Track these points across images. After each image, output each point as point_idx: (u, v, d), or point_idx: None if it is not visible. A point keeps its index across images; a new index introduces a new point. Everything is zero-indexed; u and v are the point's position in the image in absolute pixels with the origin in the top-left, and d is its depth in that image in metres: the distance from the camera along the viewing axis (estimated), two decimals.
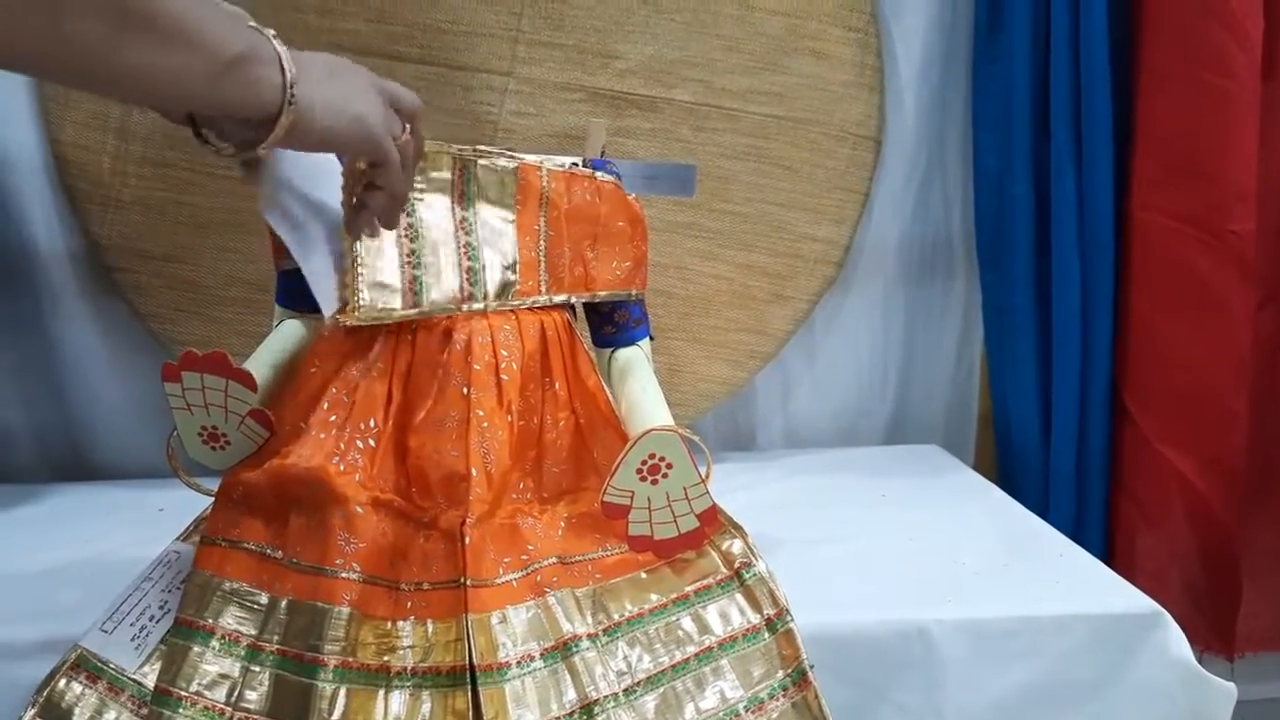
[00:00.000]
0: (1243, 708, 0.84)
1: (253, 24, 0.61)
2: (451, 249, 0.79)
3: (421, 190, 0.79)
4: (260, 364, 0.81)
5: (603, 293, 0.85)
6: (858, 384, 1.32)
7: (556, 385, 0.82)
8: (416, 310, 0.78)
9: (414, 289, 0.78)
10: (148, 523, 0.95)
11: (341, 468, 0.74)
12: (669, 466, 0.75)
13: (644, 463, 0.75)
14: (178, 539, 0.80)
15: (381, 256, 0.77)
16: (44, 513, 1.09)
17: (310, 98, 0.62)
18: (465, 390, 0.76)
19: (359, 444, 0.76)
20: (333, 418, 0.76)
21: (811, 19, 1.17)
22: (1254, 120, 1.11)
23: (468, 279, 0.79)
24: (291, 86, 0.61)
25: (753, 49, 1.16)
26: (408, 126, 0.69)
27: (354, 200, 0.71)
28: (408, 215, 0.78)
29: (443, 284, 0.79)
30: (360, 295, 0.77)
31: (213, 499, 0.77)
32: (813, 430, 1.33)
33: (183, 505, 0.82)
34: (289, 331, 0.85)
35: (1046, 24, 1.17)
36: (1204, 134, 1.12)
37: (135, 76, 0.56)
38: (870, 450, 1.30)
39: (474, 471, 0.74)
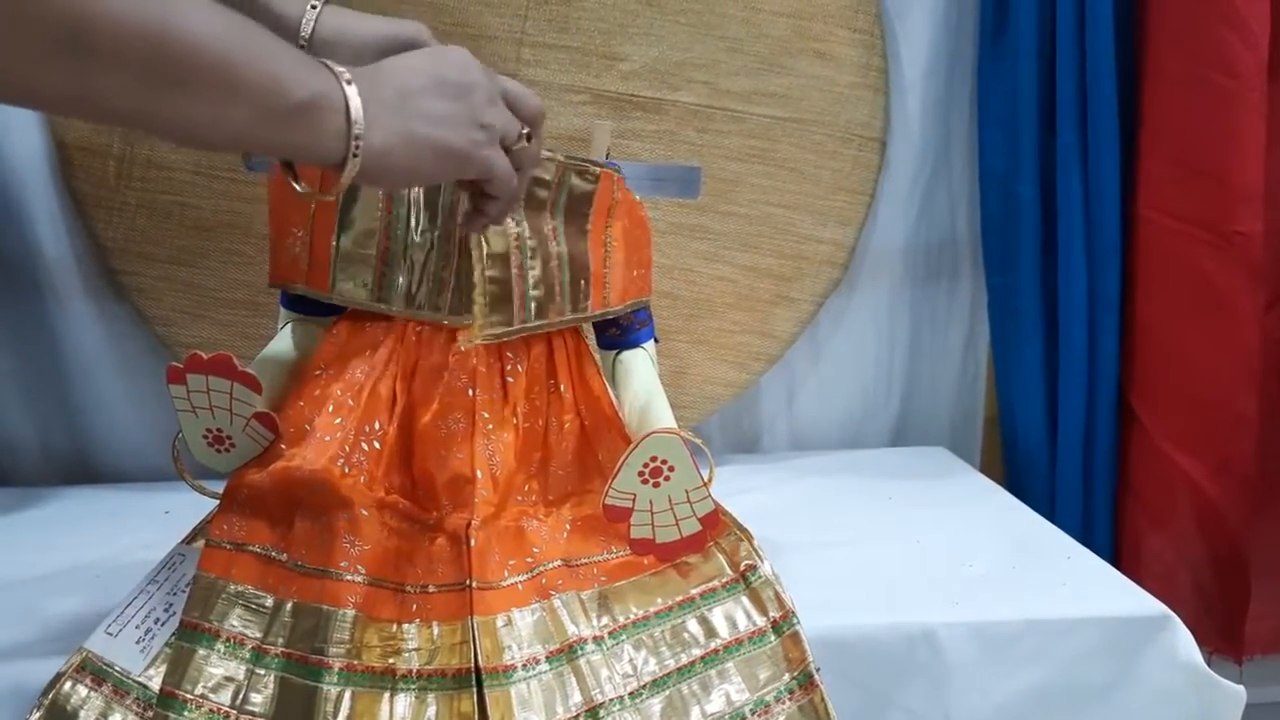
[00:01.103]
0: (1251, 711, 0.84)
1: (327, 64, 0.57)
2: (545, 260, 0.78)
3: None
4: (265, 367, 0.81)
5: (630, 300, 0.85)
6: (863, 386, 1.32)
7: (562, 388, 0.81)
8: (520, 327, 0.77)
9: (523, 305, 0.77)
10: (153, 526, 0.95)
11: (346, 470, 0.74)
12: (671, 469, 0.75)
13: (646, 465, 0.74)
14: (183, 542, 0.79)
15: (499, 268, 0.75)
16: (49, 516, 1.09)
17: (386, 142, 0.58)
18: (471, 393, 0.76)
19: (364, 446, 0.76)
20: (338, 420, 0.76)
21: (816, 20, 1.17)
22: (1261, 121, 1.11)
23: (558, 293, 0.78)
24: (356, 139, 0.56)
25: (757, 50, 1.16)
26: (524, 131, 0.65)
27: (466, 206, 0.68)
28: (515, 224, 0.76)
29: (553, 298, 0.78)
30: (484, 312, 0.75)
31: (218, 502, 0.77)
32: (818, 432, 1.32)
33: (188, 508, 0.82)
34: (294, 334, 0.85)
35: (1052, 24, 1.17)
36: (1210, 134, 1.12)
37: (172, 127, 0.54)
38: (876, 453, 1.30)
39: (479, 474, 0.74)
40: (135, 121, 0.54)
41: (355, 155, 0.57)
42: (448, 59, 0.63)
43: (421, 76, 0.61)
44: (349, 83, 0.57)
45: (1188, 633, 0.83)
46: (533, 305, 0.77)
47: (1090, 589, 0.87)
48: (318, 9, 0.73)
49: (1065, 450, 1.22)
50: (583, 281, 0.80)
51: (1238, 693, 0.83)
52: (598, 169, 0.80)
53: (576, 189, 0.79)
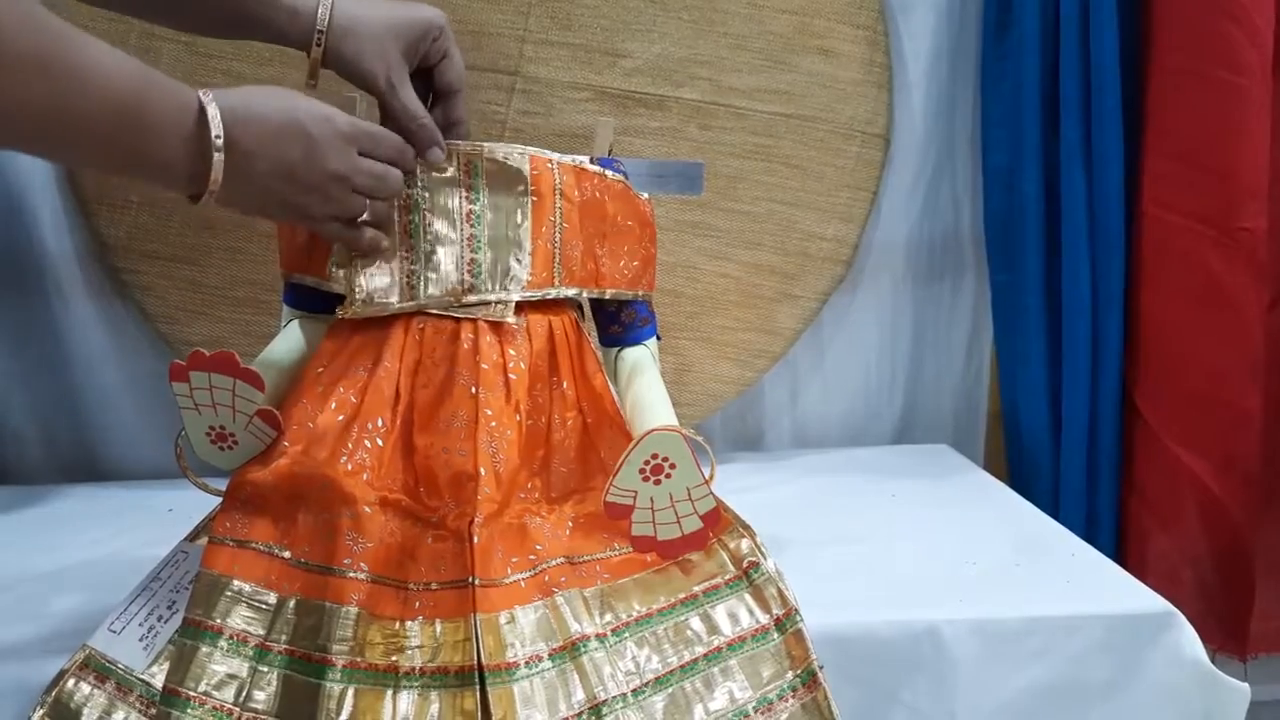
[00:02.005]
0: (1255, 709, 0.84)
1: (205, 99, 0.64)
2: (455, 243, 0.79)
3: (424, 187, 0.78)
4: (268, 364, 0.81)
5: (610, 291, 0.85)
6: (867, 383, 1.31)
7: (564, 384, 0.81)
8: (414, 304, 0.78)
9: (411, 284, 0.78)
10: (156, 523, 0.95)
11: (349, 467, 0.74)
12: (672, 467, 0.75)
13: (647, 463, 0.74)
14: (186, 539, 0.80)
15: (379, 255, 0.77)
16: (52, 514, 1.09)
17: (229, 198, 0.67)
18: (474, 390, 0.76)
19: (367, 443, 0.76)
20: (340, 417, 0.76)
21: (819, 17, 1.16)
22: (1265, 117, 1.10)
23: (469, 271, 0.79)
24: (210, 193, 0.65)
25: (760, 47, 1.16)
26: (388, 176, 0.73)
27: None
28: (409, 213, 0.78)
29: (443, 278, 0.78)
30: (358, 291, 0.77)
31: (221, 499, 0.77)
32: (821, 430, 1.32)
33: (191, 505, 0.82)
34: (297, 331, 0.85)
35: (1056, 21, 1.17)
36: (1215, 131, 1.11)
37: (54, 159, 0.62)
38: (879, 450, 1.29)
39: (483, 471, 0.74)
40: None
41: (209, 198, 0.66)
42: (316, 141, 0.69)
43: (270, 163, 0.68)
44: (217, 128, 0.64)
45: (1192, 630, 0.82)
46: (425, 285, 0.78)
47: (1094, 586, 0.87)
48: None
49: (1069, 447, 1.22)
50: (516, 262, 0.79)
51: (1242, 690, 0.82)
52: (521, 152, 0.80)
53: (495, 171, 0.79)
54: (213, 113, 0.64)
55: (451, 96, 0.82)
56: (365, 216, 0.74)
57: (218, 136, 0.64)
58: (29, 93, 0.56)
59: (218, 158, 0.65)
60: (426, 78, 0.81)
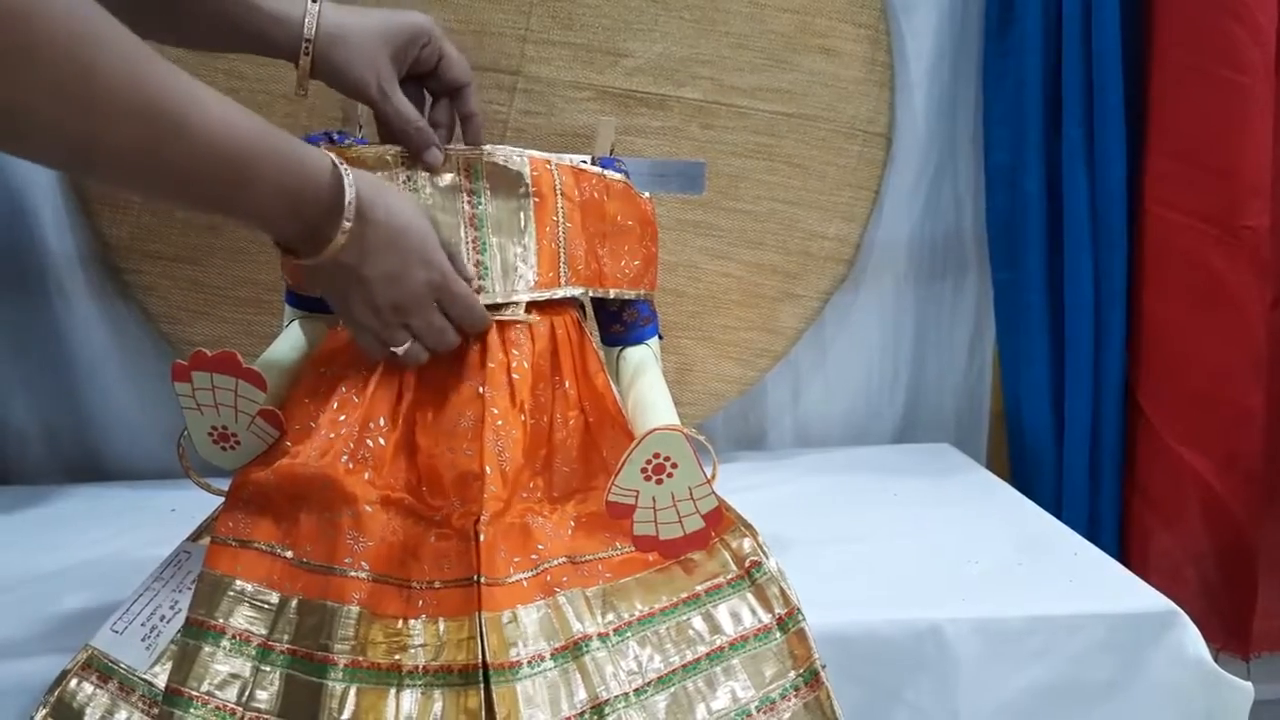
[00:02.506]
0: (1259, 708, 0.84)
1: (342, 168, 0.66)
2: (460, 246, 0.79)
3: (429, 195, 0.78)
4: (270, 364, 0.80)
5: (613, 290, 0.85)
6: (869, 382, 1.31)
7: (566, 384, 0.81)
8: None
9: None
10: (159, 523, 0.95)
11: (350, 466, 0.74)
12: (674, 466, 0.74)
13: (649, 462, 0.74)
14: (188, 539, 0.80)
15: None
16: (55, 514, 1.09)
17: (311, 275, 0.69)
18: (480, 390, 0.76)
19: (369, 443, 0.76)
20: (342, 417, 0.76)
21: (821, 16, 1.16)
22: (1268, 115, 1.10)
23: (476, 274, 0.79)
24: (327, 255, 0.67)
25: (762, 46, 1.16)
26: (445, 333, 0.74)
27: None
28: None
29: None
30: None
31: (223, 499, 0.77)
32: (823, 429, 1.32)
33: (194, 505, 0.82)
34: (299, 331, 0.85)
35: (1058, 19, 1.17)
36: (1218, 129, 1.11)
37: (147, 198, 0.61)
38: (881, 449, 1.29)
39: (489, 470, 0.74)
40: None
41: (302, 258, 0.67)
42: (410, 272, 0.71)
43: (381, 272, 0.69)
44: (346, 227, 0.66)
45: (1195, 629, 0.82)
46: None
47: (1097, 585, 0.87)
48: (319, 5, 0.73)
49: (1072, 446, 1.22)
50: (521, 262, 0.79)
51: (1245, 689, 0.82)
52: (520, 154, 0.80)
53: (495, 174, 0.79)
54: (350, 193, 0.66)
55: (460, 92, 0.82)
56: (399, 351, 0.74)
57: (348, 219, 0.66)
58: (131, 139, 0.56)
59: (342, 237, 0.66)
60: (425, 82, 0.81)
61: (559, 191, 0.81)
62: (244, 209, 0.63)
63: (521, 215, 0.80)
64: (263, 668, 0.70)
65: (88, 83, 0.53)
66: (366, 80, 0.75)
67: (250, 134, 0.61)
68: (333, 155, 0.67)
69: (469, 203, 0.79)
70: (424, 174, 0.78)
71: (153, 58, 0.56)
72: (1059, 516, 1.04)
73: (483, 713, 0.66)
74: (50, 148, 0.55)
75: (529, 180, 0.79)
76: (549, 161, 0.81)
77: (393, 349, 0.73)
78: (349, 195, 0.66)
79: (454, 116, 0.82)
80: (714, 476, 0.77)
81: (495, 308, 0.79)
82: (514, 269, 0.79)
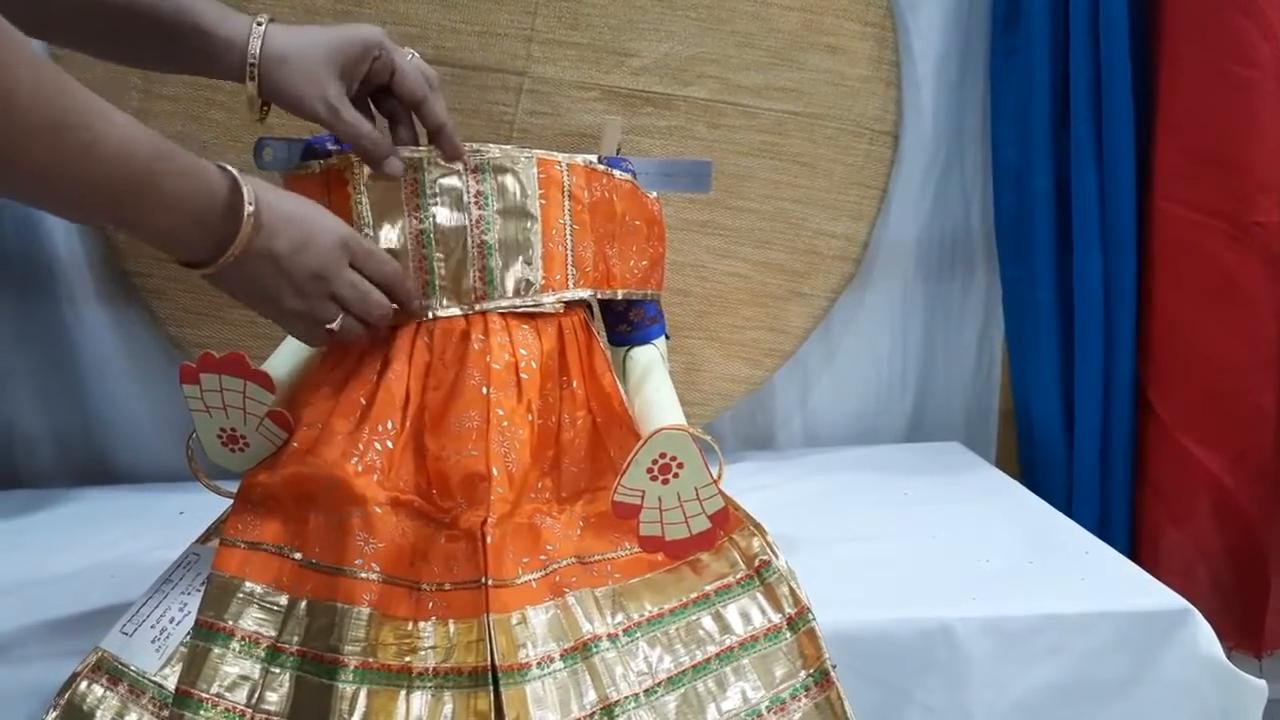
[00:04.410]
0: (1272, 706, 0.84)
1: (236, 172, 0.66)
2: (466, 250, 0.79)
3: (435, 196, 0.78)
4: (278, 366, 0.81)
5: (621, 291, 0.85)
6: (877, 381, 1.31)
7: (574, 384, 0.81)
8: (429, 312, 0.78)
9: (426, 292, 0.78)
10: (168, 526, 0.95)
11: (359, 468, 0.74)
12: (680, 466, 0.74)
13: (654, 462, 0.74)
14: (197, 541, 0.80)
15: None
16: (64, 517, 1.09)
17: (230, 286, 0.69)
18: (485, 390, 0.76)
19: (377, 445, 0.75)
20: (350, 418, 0.76)
21: (827, 14, 1.16)
22: (1278, 110, 1.09)
23: (481, 278, 0.78)
24: (229, 257, 0.67)
25: (768, 45, 1.16)
26: (369, 296, 0.74)
27: None
28: (419, 222, 0.78)
29: (457, 285, 0.78)
30: None
31: (232, 501, 0.77)
32: (832, 428, 1.32)
33: (202, 508, 0.82)
34: None
35: (1065, 15, 1.16)
36: (1228, 124, 1.11)
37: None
38: (890, 448, 1.29)
39: (495, 471, 0.73)
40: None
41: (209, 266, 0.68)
42: (316, 236, 0.71)
43: (290, 242, 0.70)
44: (250, 207, 0.67)
45: (1208, 627, 0.82)
46: (440, 294, 0.79)
47: (1108, 583, 0.87)
48: (263, 26, 0.73)
49: (1082, 444, 1.22)
50: (527, 266, 0.79)
51: (1260, 687, 0.82)
52: (529, 154, 0.80)
53: (503, 176, 0.79)
54: (247, 188, 0.66)
55: (421, 105, 0.79)
56: (334, 327, 0.73)
57: (250, 203, 0.66)
58: (41, 155, 0.57)
59: (249, 223, 0.66)
60: (383, 97, 0.81)
61: (567, 193, 0.80)
62: (149, 219, 0.64)
63: (528, 218, 0.79)
64: (272, 669, 0.70)
65: (5, 100, 0.54)
66: (313, 99, 0.75)
67: (149, 147, 0.62)
68: (217, 163, 0.68)
69: (476, 205, 0.79)
70: (431, 177, 0.78)
71: (59, 74, 0.57)
72: (1069, 515, 1.04)
73: (492, 714, 0.66)
74: None
75: (536, 182, 0.79)
76: (558, 162, 0.81)
77: (328, 327, 0.73)
78: (244, 185, 0.66)
79: (416, 135, 0.81)
80: (720, 477, 0.76)
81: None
82: (520, 274, 0.79)
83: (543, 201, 0.80)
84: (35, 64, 0.55)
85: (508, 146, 0.80)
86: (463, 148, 0.79)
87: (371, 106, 0.81)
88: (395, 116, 0.81)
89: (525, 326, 0.80)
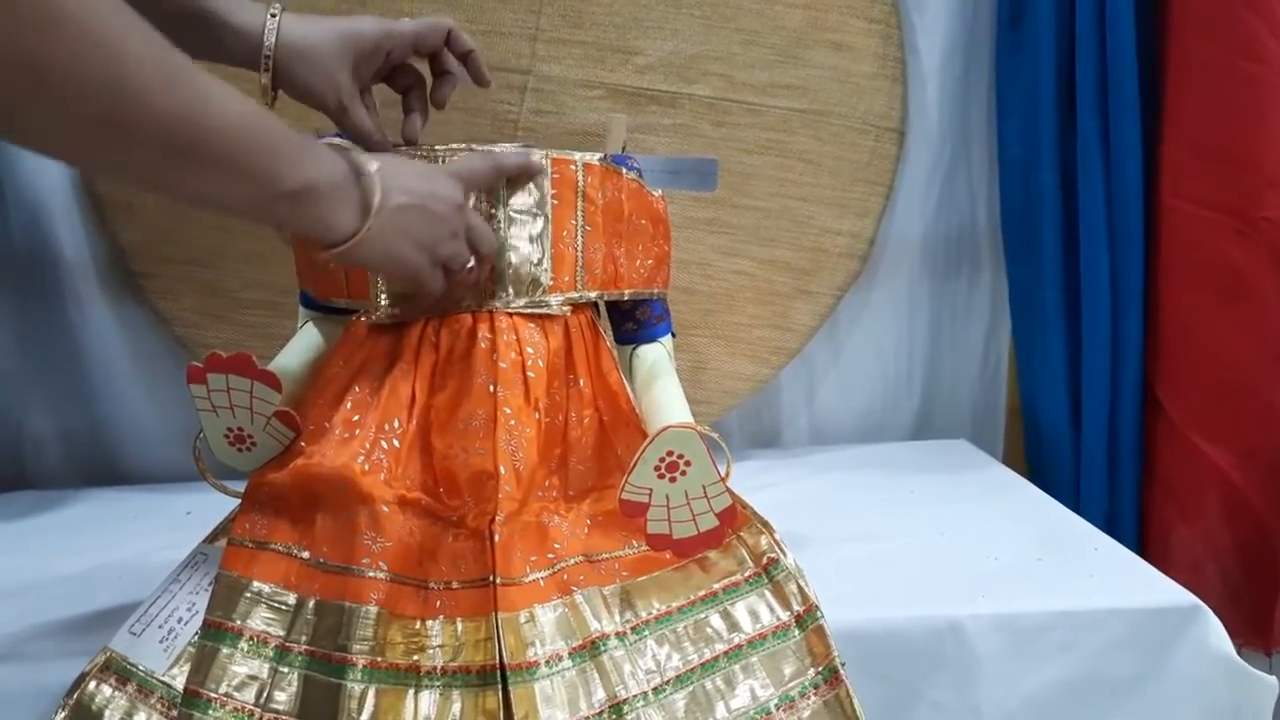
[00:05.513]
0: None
1: (355, 161, 0.66)
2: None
3: None
4: (285, 365, 0.81)
5: (628, 291, 0.85)
6: (884, 379, 1.31)
7: (581, 382, 0.81)
8: (438, 309, 0.78)
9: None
10: (175, 526, 0.95)
11: (366, 467, 0.74)
12: (687, 464, 0.74)
13: (662, 460, 0.74)
14: (205, 541, 0.80)
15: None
16: (71, 518, 1.09)
17: (368, 243, 0.67)
18: (492, 388, 0.76)
19: (384, 444, 0.75)
20: (356, 418, 0.76)
21: (832, 11, 1.16)
22: None
23: (490, 277, 0.78)
24: (356, 232, 0.66)
25: (773, 42, 1.15)
26: (471, 263, 0.75)
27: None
28: None
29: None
30: (381, 298, 0.77)
31: (239, 501, 0.77)
32: (838, 426, 1.32)
33: (210, 508, 0.82)
34: (313, 333, 0.85)
35: (1071, 10, 1.16)
36: (1235, 120, 1.10)
37: (186, 196, 0.60)
38: (897, 446, 1.29)
39: (502, 470, 0.73)
40: (163, 190, 0.61)
41: (338, 247, 0.66)
42: (438, 192, 0.71)
43: (415, 198, 0.69)
44: (373, 175, 0.66)
45: (1218, 623, 0.81)
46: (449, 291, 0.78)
47: (1117, 580, 0.86)
48: (277, 18, 0.74)
49: (1089, 441, 1.21)
50: (536, 267, 0.79)
51: (1271, 684, 0.82)
52: (544, 154, 0.80)
53: (517, 175, 0.79)
54: (345, 140, 0.67)
55: (451, 36, 0.82)
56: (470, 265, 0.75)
57: (359, 151, 0.67)
58: (157, 102, 0.54)
59: (374, 166, 0.66)
60: (406, 77, 0.82)
61: (581, 193, 0.80)
62: (289, 172, 0.61)
63: (540, 219, 0.79)
64: (280, 669, 0.70)
65: (116, 47, 0.52)
66: (326, 95, 0.76)
67: (256, 107, 0.60)
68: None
69: (488, 203, 0.78)
70: None
71: (168, 44, 0.56)
72: (1077, 511, 1.04)
73: (501, 713, 0.66)
74: (80, 122, 0.53)
75: (549, 182, 0.79)
76: (573, 162, 0.80)
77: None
78: (356, 151, 0.67)
79: (428, 116, 0.83)
80: (728, 474, 0.76)
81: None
82: (529, 274, 0.79)
83: (555, 202, 0.79)
84: (143, 23, 0.54)
85: (517, 144, 0.80)
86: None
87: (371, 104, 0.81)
88: (409, 104, 0.83)
89: (532, 325, 0.79)
